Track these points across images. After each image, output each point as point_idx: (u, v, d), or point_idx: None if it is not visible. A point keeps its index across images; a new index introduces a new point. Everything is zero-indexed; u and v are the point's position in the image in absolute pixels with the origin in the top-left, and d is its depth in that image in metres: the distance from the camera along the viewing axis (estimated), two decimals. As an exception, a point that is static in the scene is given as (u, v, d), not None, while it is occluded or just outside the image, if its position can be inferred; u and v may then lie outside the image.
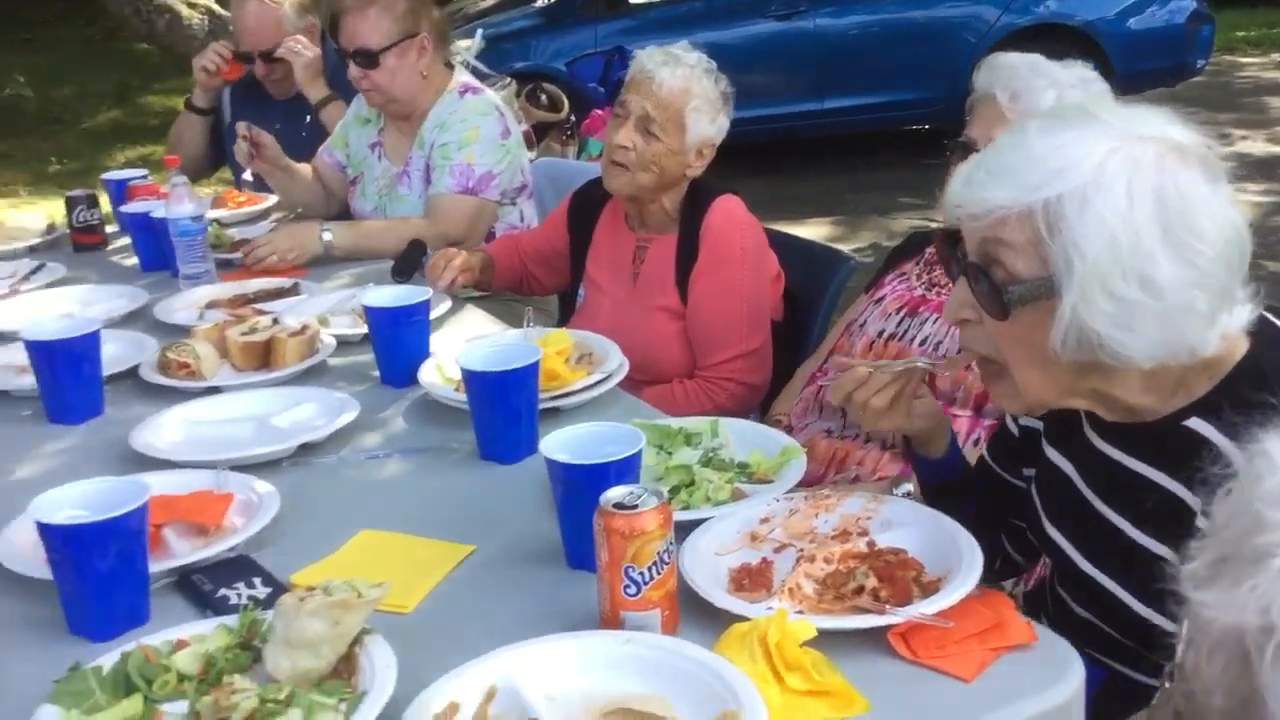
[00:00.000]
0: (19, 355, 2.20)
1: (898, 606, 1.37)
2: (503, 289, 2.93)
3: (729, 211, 2.51)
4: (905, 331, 2.22)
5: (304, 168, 3.33)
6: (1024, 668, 1.31)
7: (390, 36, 3.01)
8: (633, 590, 1.34)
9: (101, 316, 2.45)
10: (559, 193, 3.26)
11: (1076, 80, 1.99)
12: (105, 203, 3.43)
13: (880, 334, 2.25)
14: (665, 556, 1.35)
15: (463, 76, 3.21)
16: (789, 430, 2.20)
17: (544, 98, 4.99)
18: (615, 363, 2.17)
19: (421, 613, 1.48)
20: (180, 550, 1.60)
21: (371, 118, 3.28)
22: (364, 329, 2.35)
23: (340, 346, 2.36)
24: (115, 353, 2.30)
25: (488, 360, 1.89)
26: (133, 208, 3.14)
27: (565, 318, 2.91)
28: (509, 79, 4.43)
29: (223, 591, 1.52)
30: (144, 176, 3.52)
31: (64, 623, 1.46)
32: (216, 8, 9.00)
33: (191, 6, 8.93)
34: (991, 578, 1.64)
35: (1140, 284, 1.23)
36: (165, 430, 2.01)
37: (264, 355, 2.26)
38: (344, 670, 1.28)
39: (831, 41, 7.65)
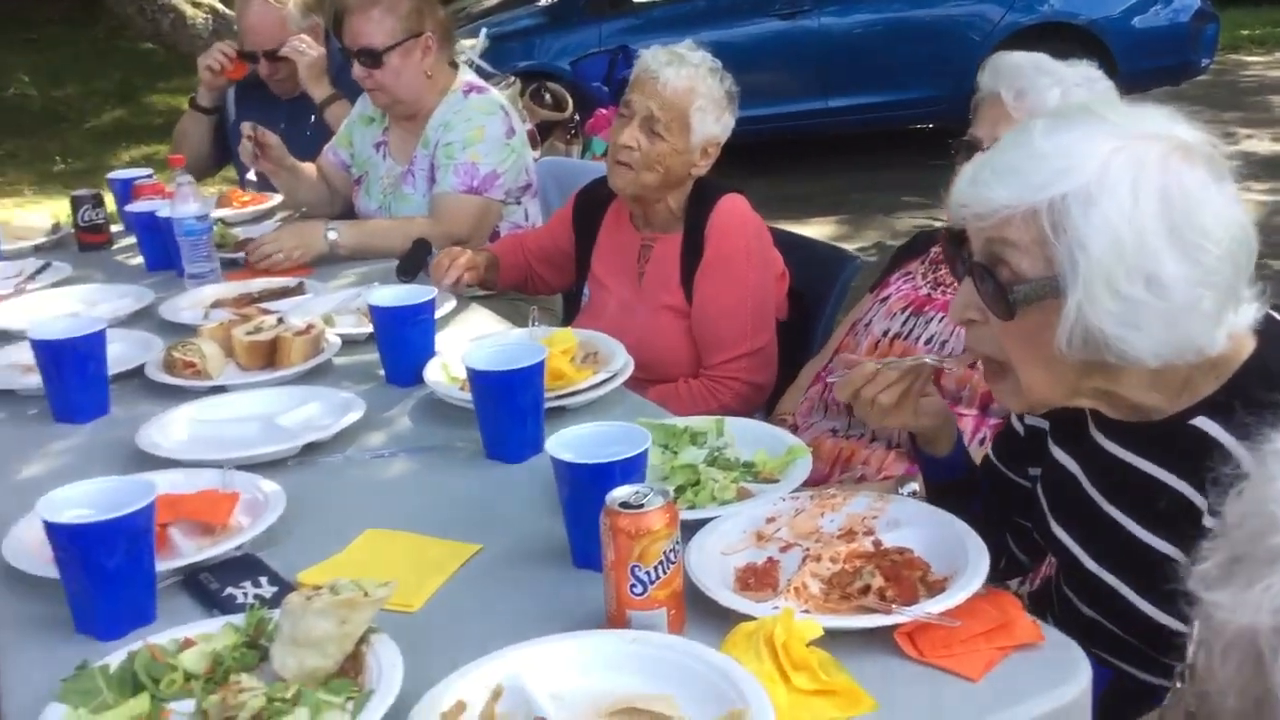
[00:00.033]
0: (25, 354, 2.20)
1: (904, 606, 1.37)
2: (507, 288, 2.93)
3: (734, 210, 2.51)
4: (910, 331, 2.22)
5: (308, 167, 3.33)
6: (1031, 667, 1.30)
7: (394, 36, 3.01)
8: (639, 589, 1.34)
9: (107, 316, 2.45)
10: (563, 192, 3.27)
11: (1081, 79, 1.98)
12: (110, 202, 3.44)
13: (885, 333, 2.25)
14: (671, 556, 1.35)
15: (467, 75, 3.21)
16: (794, 430, 2.20)
17: (548, 97, 4.99)
18: (620, 362, 2.17)
19: (428, 612, 1.49)
20: (186, 549, 1.60)
21: (376, 117, 3.28)
22: (369, 328, 2.35)
23: (345, 346, 2.37)
24: (121, 352, 2.31)
25: (493, 359, 1.89)
26: (138, 207, 3.14)
27: (569, 317, 2.91)
28: (513, 78, 4.43)
29: (229, 590, 1.52)
30: (149, 176, 3.52)
31: (70, 621, 1.46)
32: (220, 7, 9.01)
33: (196, 6, 8.94)
34: (996, 577, 1.63)
35: (1146, 283, 1.23)
36: (171, 429, 2.01)
37: (269, 354, 2.27)
38: (351, 669, 1.28)
39: (835, 40, 7.65)
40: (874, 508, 1.60)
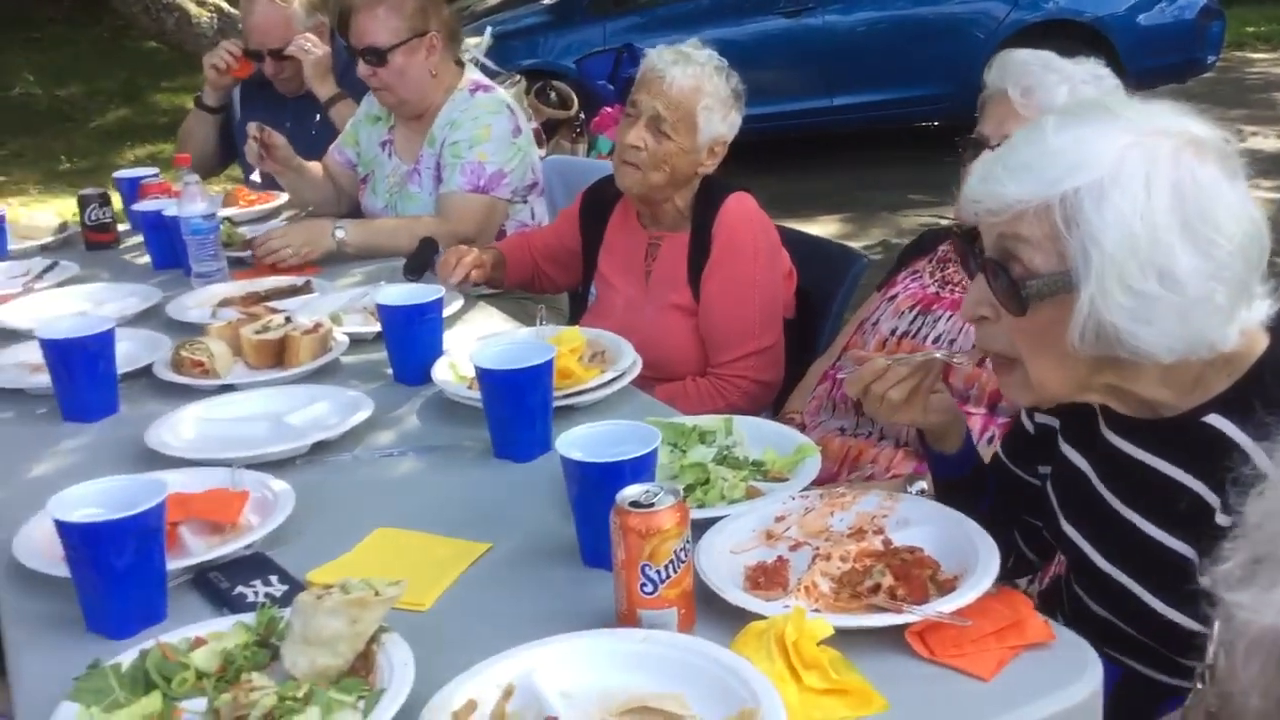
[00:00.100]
0: (33, 353, 2.20)
1: (914, 605, 1.36)
2: (514, 286, 2.93)
3: (741, 209, 2.51)
4: (918, 329, 2.22)
5: (314, 166, 3.33)
6: (1042, 666, 1.30)
7: (399, 34, 3.01)
8: (649, 588, 1.34)
9: (115, 315, 2.45)
10: (569, 190, 3.27)
11: (1089, 76, 1.98)
12: (117, 201, 3.44)
13: (893, 332, 2.25)
14: (682, 555, 1.35)
15: (473, 74, 3.21)
16: (802, 428, 2.20)
17: (553, 95, 5.00)
18: (628, 361, 2.17)
19: (438, 611, 1.49)
20: (196, 548, 1.60)
21: (382, 115, 3.28)
22: (377, 327, 2.35)
23: (353, 344, 2.37)
24: (129, 351, 2.31)
25: (502, 358, 1.89)
26: (145, 206, 3.15)
27: (576, 316, 2.91)
28: (518, 76, 4.44)
29: (239, 589, 1.52)
30: (156, 175, 3.52)
31: (82, 620, 1.46)
32: (225, 6, 9.00)
33: (200, 4, 8.93)
34: (1005, 576, 1.63)
35: (1159, 277, 1.23)
36: (180, 428, 2.01)
37: (277, 353, 2.27)
38: (361, 668, 1.28)
39: (840, 38, 7.65)
40: (884, 506, 1.60)
